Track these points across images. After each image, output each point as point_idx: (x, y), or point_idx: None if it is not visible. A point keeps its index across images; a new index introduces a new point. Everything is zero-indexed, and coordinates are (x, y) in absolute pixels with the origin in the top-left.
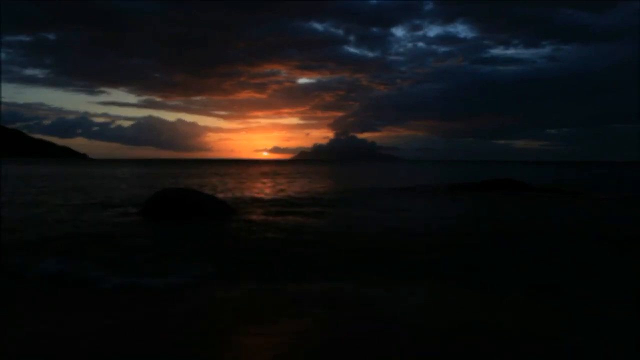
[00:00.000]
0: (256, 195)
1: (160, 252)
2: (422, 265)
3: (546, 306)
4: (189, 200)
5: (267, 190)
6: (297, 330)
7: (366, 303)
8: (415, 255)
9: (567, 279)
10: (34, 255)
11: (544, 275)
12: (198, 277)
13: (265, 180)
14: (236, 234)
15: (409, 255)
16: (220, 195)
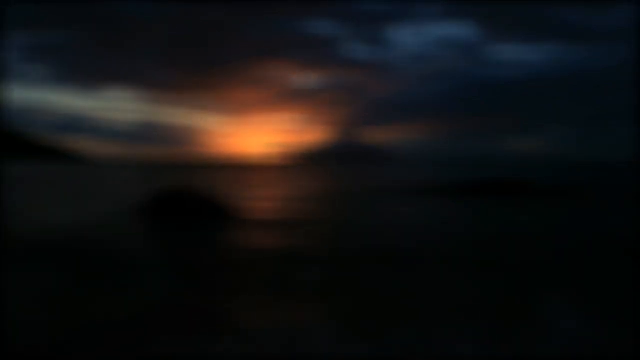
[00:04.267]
0: (256, 199)
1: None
2: None
3: None
4: (189, 201)
5: (267, 195)
6: None
7: None
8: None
9: None
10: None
11: None
12: None
13: (264, 183)
14: (234, 242)
15: None
16: (219, 198)
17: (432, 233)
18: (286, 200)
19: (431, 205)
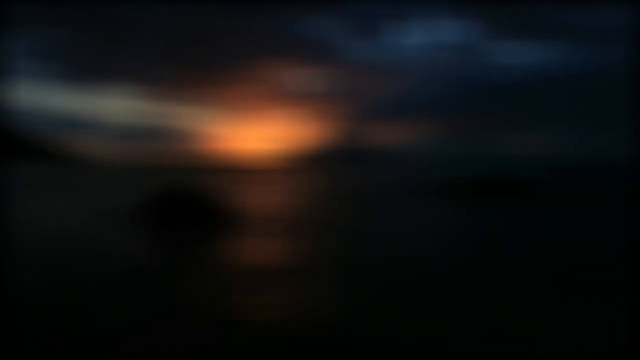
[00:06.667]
0: (256, 201)
1: None
2: None
3: None
4: (187, 205)
5: (268, 198)
6: None
7: None
8: None
9: None
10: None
11: None
12: None
13: (265, 186)
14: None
15: None
16: (219, 201)
17: (440, 240)
18: (287, 203)
19: (434, 208)
